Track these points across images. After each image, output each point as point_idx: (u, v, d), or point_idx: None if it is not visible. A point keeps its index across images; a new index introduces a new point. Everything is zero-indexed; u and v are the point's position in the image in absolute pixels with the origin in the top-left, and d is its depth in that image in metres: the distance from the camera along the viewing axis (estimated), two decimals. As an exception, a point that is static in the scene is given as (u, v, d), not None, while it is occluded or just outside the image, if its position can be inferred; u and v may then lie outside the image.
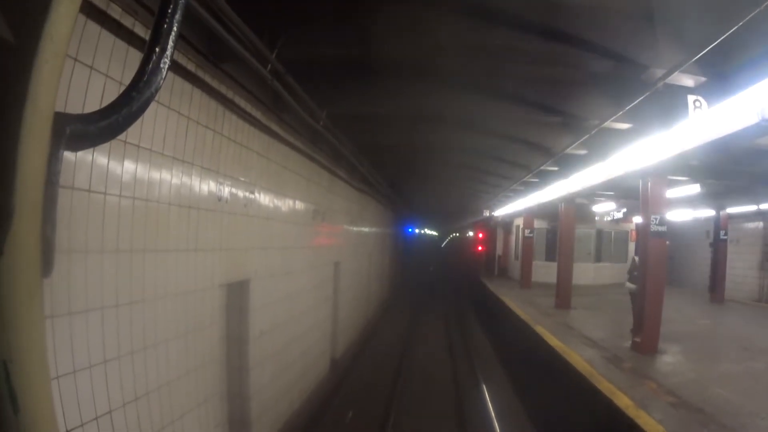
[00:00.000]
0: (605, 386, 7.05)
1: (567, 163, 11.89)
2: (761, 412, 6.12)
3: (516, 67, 7.23)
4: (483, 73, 7.54)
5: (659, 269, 9.07)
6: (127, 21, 3.45)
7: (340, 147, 9.70)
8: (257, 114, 6.13)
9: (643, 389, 6.94)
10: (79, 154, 3.07)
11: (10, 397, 1.13)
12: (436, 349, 15.86)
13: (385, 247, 22.95)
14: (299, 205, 8.28)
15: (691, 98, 6.18)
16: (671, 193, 11.36)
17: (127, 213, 3.66)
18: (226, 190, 5.39)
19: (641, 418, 5.89)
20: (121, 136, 3.26)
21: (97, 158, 3.28)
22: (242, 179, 5.83)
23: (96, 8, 3.13)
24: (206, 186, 4.96)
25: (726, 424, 5.72)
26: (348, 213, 13.01)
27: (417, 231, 47.44)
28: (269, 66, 5.48)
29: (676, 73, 5.95)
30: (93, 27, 3.14)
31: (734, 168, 10.75)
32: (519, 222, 22.66)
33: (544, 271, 20.62)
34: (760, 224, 17.62)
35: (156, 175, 4.07)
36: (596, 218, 21.13)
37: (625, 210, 18.61)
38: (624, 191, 14.48)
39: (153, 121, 3.98)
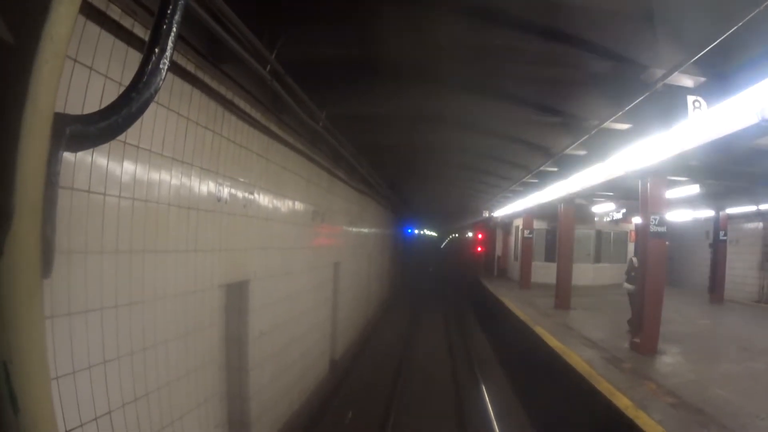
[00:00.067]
0: (605, 387, 7.05)
1: (566, 164, 11.89)
2: (761, 413, 6.12)
3: (516, 68, 7.23)
4: (483, 73, 7.54)
5: (659, 270, 9.06)
6: (127, 22, 3.45)
7: (340, 148, 9.70)
8: (257, 115, 6.13)
9: (643, 390, 6.94)
10: (79, 154, 3.08)
11: (10, 398, 1.14)
12: (435, 349, 15.86)
13: (384, 248, 22.95)
14: (299, 205, 8.28)
15: (690, 98, 6.18)
16: (671, 193, 11.36)
17: (127, 214, 3.66)
18: (225, 191, 5.39)
19: (641, 418, 5.89)
20: (121, 137, 3.26)
21: (97, 159, 3.28)
22: (242, 180, 5.83)
23: (95, 9, 3.14)
24: (206, 187, 4.96)
25: (726, 424, 5.72)
26: (348, 213, 13.00)
27: (416, 232, 47.41)
28: (268, 66, 5.47)
29: (675, 73, 5.95)
30: (92, 28, 3.15)
31: (734, 168, 10.76)
32: (518, 223, 22.67)
33: (544, 272, 20.61)
34: (760, 225, 17.61)
35: (155, 175, 4.07)
36: (596, 219, 21.12)
37: (624, 210, 18.61)
38: (623, 192, 14.48)
39: (152, 122, 3.98)
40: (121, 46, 3.42)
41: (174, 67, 4.17)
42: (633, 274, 11.30)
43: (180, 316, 4.52)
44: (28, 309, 1.18)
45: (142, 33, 3.55)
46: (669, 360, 8.66)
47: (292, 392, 8.01)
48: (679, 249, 21.06)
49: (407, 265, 38.66)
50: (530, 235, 20.26)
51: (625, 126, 8.51)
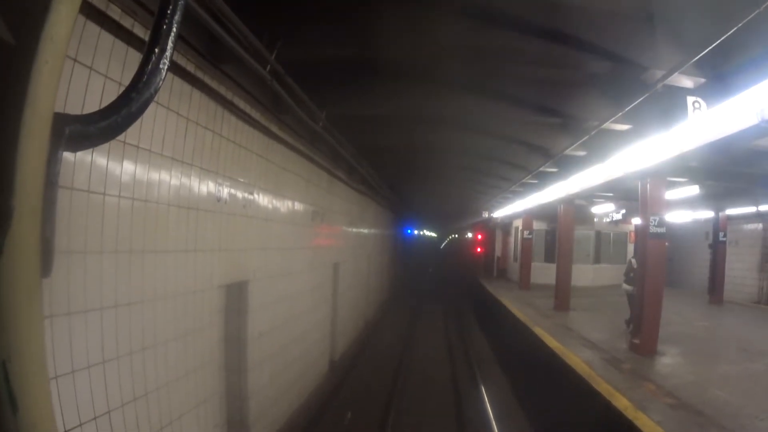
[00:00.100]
0: (604, 387, 7.05)
1: (566, 165, 11.89)
2: (760, 414, 6.12)
3: (516, 68, 7.23)
4: (483, 73, 7.54)
5: (658, 271, 9.06)
6: (127, 22, 3.45)
7: (340, 148, 9.70)
8: (256, 115, 6.14)
9: (642, 391, 6.94)
10: (79, 154, 3.08)
11: (9, 397, 1.14)
12: (435, 350, 15.85)
13: (384, 249, 22.95)
14: (298, 206, 8.28)
15: (690, 99, 6.18)
16: (670, 194, 11.36)
17: (126, 213, 3.66)
18: (225, 191, 5.39)
19: (640, 419, 5.89)
20: (121, 137, 3.27)
21: (97, 159, 3.28)
22: (241, 180, 5.83)
23: (95, 9, 3.14)
24: (205, 187, 4.96)
25: (725, 425, 5.72)
26: (347, 214, 13.01)
27: (416, 232, 47.44)
28: (268, 67, 5.47)
29: (675, 74, 5.95)
30: (92, 28, 3.15)
31: (733, 169, 10.75)
32: (518, 223, 22.67)
33: (543, 273, 20.61)
34: (759, 226, 17.65)
35: (155, 175, 4.07)
36: (595, 220, 21.12)
37: (624, 211, 18.60)
38: (623, 192, 14.48)
39: (152, 122, 3.98)
40: (120, 46, 3.43)
41: (174, 67, 4.18)
42: (632, 275, 11.31)
43: (179, 316, 4.52)
44: (28, 308, 1.18)
45: (142, 33, 3.55)
46: (668, 361, 8.66)
47: (291, 392, 8.01)
48: (679, 250, 21.08)
49: (407, 266, 38.67)
50: (530, 236, 20.27)
51: (624, 127, 8.51)
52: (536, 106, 8.92)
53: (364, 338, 15.93)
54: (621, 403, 6.44)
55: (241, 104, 5.68)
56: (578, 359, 8.61)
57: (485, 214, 26.10)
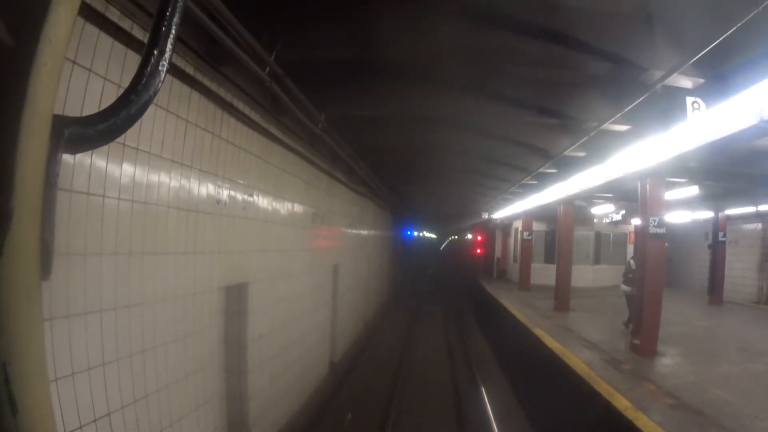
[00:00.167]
0: (604, 388, 7.05)
1: (566, 166, 11.89)
2: (760, 414, 6.12)
3: (515, 69, 7.22)
4: (482, 74, 7.54)
5: (658, 271, 9.06)
6: (126, 24, 3.46)
7: (339, 149, 9.70)
8: (256, 117, 6.14)
9: (642, 391, 6.94)
10: (78, 156, 3.08)
11: (9, 399, 1.13)
12: (435, 351, 15.86)
13: (384, 250, 22.95)
14: (298, 207, 8.28)
15: (689, 100, 6.18)
16: (670, 194, 11.37)
17: (126, 216, 3.66)
18: (224, 193, 5.39)
19: (640, 419, 5.89)
20: (120, 139, 3.28)
21: (96, 161, 3.28)
22: (241, 182, 5.83)
23: (94, 11, 3.14)
24: (205, 189, 4.96)
25: (725, 425, 5.72)
26: (347, 216, 13.01)
27: (416, 234, 47.44)
28: (267, 69, 5.47)
29: (674, 74, 5.95)
30: (91, 29, 3.15)
31: (733, 169, 10.77)
32: (518, 224, 22.67)
33: (543, 274, 20.62)
34: (759, 226, 17.64)
35: (155, 177, 4.07)
36: (595, 220, 21.12)
37: (623, 212, 18.61)
38: (623, 193, 14.49)
39: (152, 124, 3.98)
40: (119, 48, 3.43)
41: (173, 69, 4.18)
42: (630, 276, 11.31)
43: (179, 318, 4.52)
44: (27, 311, 1.18)
45: (141, 35, 3.55)
46: (668, 361, 8.66)
47: (291, 394, 8.01)
48: (679, 250, 21.08)
49: (407, 267, 38.65)
50: (529, 237, 20.27)
51: (624, 127, 8.52)
52: (536, 107, 8.92)
53: (364, 339, 15.92)
54: (621, 403, 6.44)
55: (241, 106, 5.68)
56: (578, 360, 8.61)
57: (485, 215, 26.11)
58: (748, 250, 18.05)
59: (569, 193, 12.64)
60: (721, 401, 6.54)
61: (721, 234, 16.29)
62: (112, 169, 3.48)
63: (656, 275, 9.00)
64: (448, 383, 12.25)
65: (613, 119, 7.68)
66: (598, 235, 21.93)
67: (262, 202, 6.57)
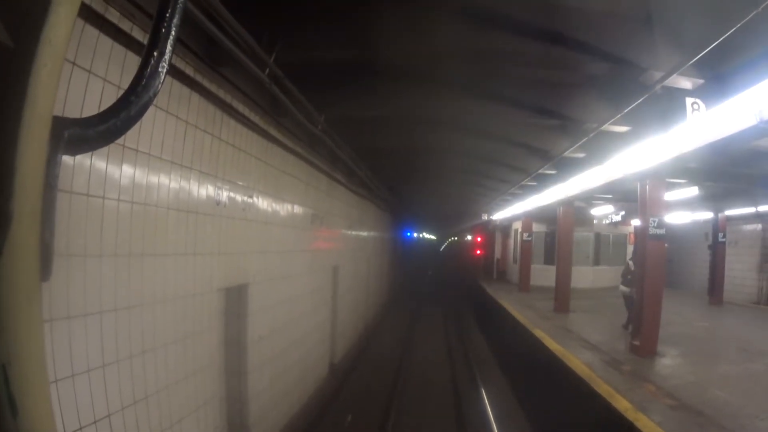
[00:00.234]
0: (604, 389, 7.05)
1: (565, 167, 11.90)
2: (760, 414, 6.12)
3: (515, 70, 7.23)
4: (482, 75, 7.54)
5: (658, 272, 9.06)
6: (125, 25, 3.45)
7: (339, 151, 9.70)
8: (256, 118, 6.14)
9: (642, 392, 6.94)
10: (78, 158, 3.08)
11: (9, 401, 1.13)
12: (435, 352, 15.86)
13: (384, 251, 22.94)
14: (298, 209, 8.28)
15: (689, 101, 6.19)
16: (669, 195, 11.39)
17: (126, 217, 3.66)
18: (224, 195, 5.39)
19: (640, 420, 5.88)
20: (120, 140, 3.28)
21: (96, 162, 3.28)
22: (241, 183, 5.83)
23: (94, 12, 3.14)
24: (205, 190, 4.96)
25: (725, 425, 5.72)
26: (347, 217, 13.00)
27: (415, 235, 47.43)
28: (267, 70, 5.48)
29: (674, 75, 5.96)
30: (91, 31, 3.15)
31: (732, 170, 10.77)
32: (517, 226, 22.67)
33: (543, 275, 20.63)
34: (759, 226, 17.65)
35: (154, 179, 4.07)
36: (594, 221, 21.12)
37: (623, 213, 18.62)
38: (622, 194, 14.51)
39: (151, 125, 3.98)
40: (119, 49, 3.42)
41: (173, 71, 4.17)
42: (629, 277, 11.30)
43: (179, 320, 4.51)
44: (27, 312, 1.18)
45: (141, 36, 3.55)
46: (668, 362, 8.66)
47: (291, 395, 8.00)
48: (678, 251, 21.08)
49: (406, 269, 38.64)
50: (529, 238, 20.26)
51: (623, 128, 8.52)
52: (535, 108, 8.93)
53: (364, 341, 15.92)
54: (621, 404, 6.44)
55: (240, 107, 5.68)
56: (578, 361, 8.61)
57: (485, 217, 26.09)
58: (748, 250, 18.06)
59: (569, 194, 12.64)
60: (721, 401, 6.54)
61: (720, 234, 16.28)
62: (112, 171, 3.48)
63: (656, 276, 9.00)
64: (448, 384, 12.25)
65: (612, 120, 7.68)
66: (597, 236, 21.92)
67: (262, 203, 6.56)
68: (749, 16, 4.37)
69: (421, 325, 20.46)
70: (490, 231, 30.82)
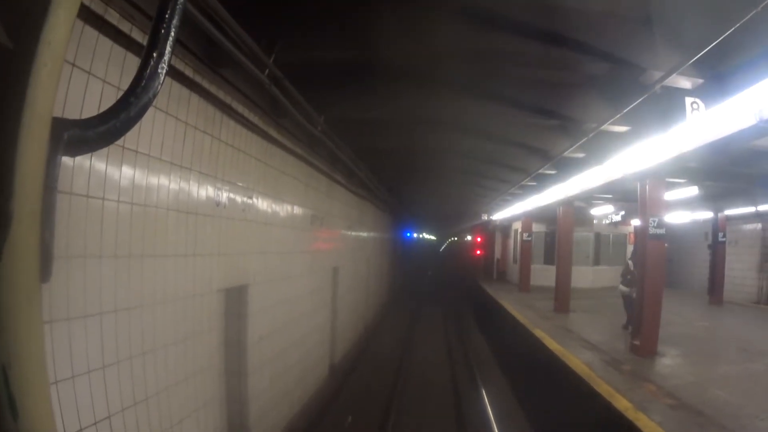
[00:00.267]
0: (604, 389, 7.04)
1: (565, 167, 11.90)
2: (760, 414, 6.12)
3: (514, 70, 7.23)
4: (482, 75, 7.54)
5: (658, 272, 9.06)
6: (125, 26, 3.45)
7: (338, 151, 9.70)
8: (255, 119, 6.14)
9: (642, 391, 6.94)
10: (78, 159, 3.08)
11: (9, 402, 1.13)
12: (435, 353, 15.86)
13: (383, 252, 22.94)
14: (297, 210, 8.28)
15: (688, 100, 6.19)
16: (669, 195, 11.38)
17: (126, 218, 3.66)
18: (224, 195, 5.39)
19: (641, 420, 5.88)
20: (119, 141, 3.28)
21: (96, 163, 3.28)
22: (240, 184, 5.83)
23: (93, 13, 3.14)
24: (204, 191, 4.95)
25: (725, 425, 5.72)
26: (347, 218, 13.00)
27: (415, 235, 47.43)
28: (267, 71, 5.48)
29: (673, 75, 5.96)
30: (90, 32, 3.15)
31: (732, 170, 10.77)
32: (517, 226, 22.66)
33: (543, 275, 20.63)
34: (758, 226, 17.64)
35: (154, 180, 4.07)
36: (594, 221, 21.13)
37: (623, 213, 18.62)
38: (622, 194, 14.50)
39: (151, 126, 3.98)
40: (119, 50, 3.42)
41: (172, 72, 4.18)
42: (628, 277, 11.30)
43: (179, 321, 4.51)
44: (27, 313, 1.18)
45: (140, 37, 3.55)
46: (668, 362, 8.65)
47: (291, 396, 8.00)
48: (678, 251, 21.07)
49: (406, 269, 38.65)
50: (529, 238, 20.26)
51: (623, 128, 8.53)
52: (535, 108, 8.93)
53: (364, 341, 15.92)
54: (621, 404, 6.44)
55: (240, 108, 5.68)
56: (578, 361, 8.60)
57: (484, 217, 26.10)
58: (748, 250, 18.05)
59: (569, 194, 12.64)
60: (721, 401, 6.54)
61: (720, 234, 16.28)
62: (112, 172, 3.48)
63: (656, 276, 9.00)
64: (448, 384, 12.26)
65: (612, 120, 7.68)
66: (597, 236, 21.92)
67: (262, 204, 6.56)
68: (748, 16, 4.38)
69: (421, 326, 20.46)
70: (489, 231, 30.81)
